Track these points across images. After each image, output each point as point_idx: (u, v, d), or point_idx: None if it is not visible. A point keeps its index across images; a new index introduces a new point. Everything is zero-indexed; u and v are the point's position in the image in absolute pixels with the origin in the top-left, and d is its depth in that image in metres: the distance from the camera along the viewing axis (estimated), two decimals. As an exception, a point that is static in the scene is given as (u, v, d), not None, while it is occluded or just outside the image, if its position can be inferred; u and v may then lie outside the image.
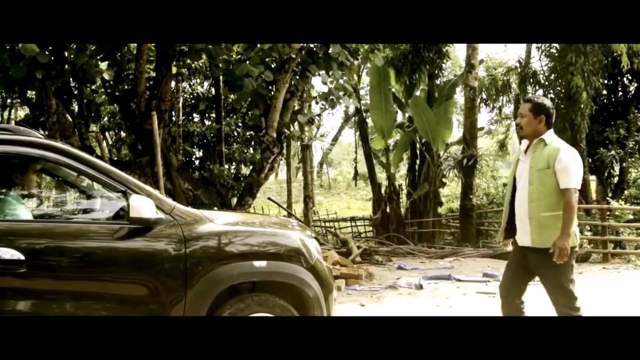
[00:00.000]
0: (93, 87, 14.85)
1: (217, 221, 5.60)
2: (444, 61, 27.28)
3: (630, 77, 24.43)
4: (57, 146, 5.27)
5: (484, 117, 63.41)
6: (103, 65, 14.21)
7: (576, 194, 5.85)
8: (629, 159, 23.38)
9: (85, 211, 5.97)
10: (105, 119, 20.46)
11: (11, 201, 5.36)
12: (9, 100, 22.60)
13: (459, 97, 30.50)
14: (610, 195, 23.40)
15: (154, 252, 5.15)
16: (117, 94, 14.51)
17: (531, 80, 24.86)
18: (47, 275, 4.89)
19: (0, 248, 4.68)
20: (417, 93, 27.47)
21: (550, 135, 6.14)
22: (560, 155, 5.94)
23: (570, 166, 5.91)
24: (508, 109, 31.60)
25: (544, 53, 24.51)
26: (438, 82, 27.82)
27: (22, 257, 4.69)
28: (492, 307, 10.03)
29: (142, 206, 5.02)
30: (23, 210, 5.35)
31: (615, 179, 24.49)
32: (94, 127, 17.47)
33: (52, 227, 5.22)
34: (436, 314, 9.55)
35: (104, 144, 16.47)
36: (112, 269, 5.06)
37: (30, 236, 4.92)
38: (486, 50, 44.32)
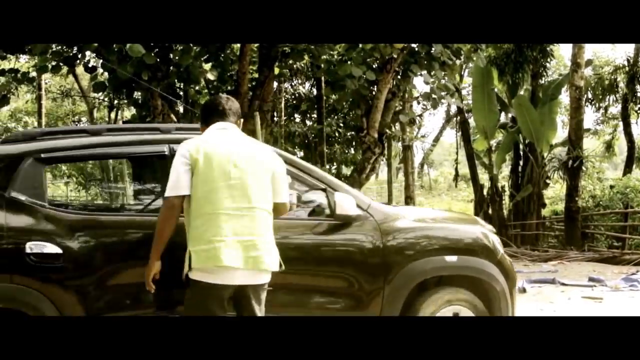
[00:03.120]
0: (197, 87, 15.10)
1: (407, 217, 5.84)
2: (548, 60, 26.77)
3: None
4: None
5: (589, 117, 62.02)
6: (207, 66, 14.45)
7: (170, 206, 4.45)
8: None
9: None
10: (200, 122, 20.79)
11: None
12: (116, 101, 23.23)
13: (564, 96, 29.87)
14: None
15: (355, 247, 5.45)
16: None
17: (640, 79, 24.18)
18: None
19: None
20: (521, 93, 27.00)
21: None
22: None
23: (172, 168, 4.52)
24: (615, 109, 30.82)
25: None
26: (542, 81, 27.29)
27: None
28: (598, 312, 9.78)
29: (347, 203, 5.30)
30: None
31: None
32: (198, 127, 17.78)
33: None
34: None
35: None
36: (318, 263, 5.40)
37: None
38: (593, 49, 43.25)
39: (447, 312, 5.68)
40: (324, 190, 5.48)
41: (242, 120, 4.97)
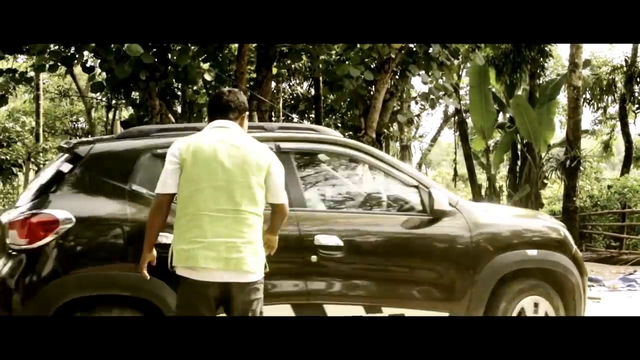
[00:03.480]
0: (195, 87, 15.09)
1: (490, 213, 6.30)
2: (546, 60, 26.76)
3: None
4: (358, 145, 6.19)
5: (587, 117, 61.93)
6: (205, 66, 14.44)
7: (158, 203, 4.58)
8: None
9: (379, 203, 6.41)
10: (207, 119, 20.78)
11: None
12: (113, 101, 23.20)
13: (562, 97, 29.89)
14: None
15: (449, 241, 5.87)
16: (218, 94, 14.69)
17: (638, 80, 24.16)
18: (360, 260, 5.65)
19: (326, 235, 5.46)
20: (519, 93, 26.98)
21: None
22: None
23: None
24: (613, 109, 30.83)
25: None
26: (540, 81, 27.29)
27: (341, 244, 5.45)
28: (596, 312, 9.78)
29: (443, 199, 5.72)
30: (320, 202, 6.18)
31: None
32: (195, 127, 17.76)
33: (363, 217, 5.97)
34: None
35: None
36: (416, 256, 5.82)
37: (347, 225, 5.72)
38: (590, 49, 43.32)
39: (524, 303, 6.03)
40: (416, 187, 5.91)
41: (246, 114, 4.90)
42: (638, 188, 24.58)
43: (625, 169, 28.66)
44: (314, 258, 5.39)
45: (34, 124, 24.17)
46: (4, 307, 4.83)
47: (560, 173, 24.31)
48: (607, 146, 33.57)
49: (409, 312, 5.72)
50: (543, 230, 6.33)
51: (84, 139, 5.42)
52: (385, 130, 15.22)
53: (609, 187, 25.15)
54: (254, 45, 13.67)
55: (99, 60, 12.84)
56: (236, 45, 13.88)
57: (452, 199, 5.90)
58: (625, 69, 25.55)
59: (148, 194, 5.13)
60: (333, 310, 5.51)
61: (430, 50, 14.22)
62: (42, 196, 5.06)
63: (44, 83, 25.64)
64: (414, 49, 14.27)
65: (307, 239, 5.40)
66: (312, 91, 20.54)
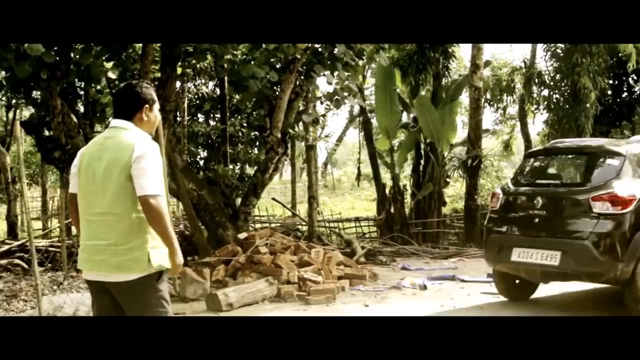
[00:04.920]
0: (98, 87, 14.84)
1: None
2: (450, 61, 27.18)
3: (635, 78, 24.19)
4: None
5: (488, 117, 63.15)
6: (108, 65, 14.22)
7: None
8: (634, 160, 23.19)
9: None
10: (110, 119, 20.43)
11: None
12: (14, 101, 22.63)
13: (464, 97, 30.45)
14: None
15: None
16: (122, 94, 14.47)
17: (536, 81, 24.77)
18: None
19: None
20: (422, 93, 27.30)
21: None
22: None
23: None
24: (513, 110, 31.56)
25: (549, 53, 24.38)
26: (444, 82, 27.69)
27: None
28: (496, 307, 10.03)
29: None
30: None
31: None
32: (98, 127, 17.48)
33: None
34: (440, 315, 9.55)
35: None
36: None
37: None
38: (491, 51, 44.31)
39: None
40: None
41: (147, 106, 4.69)
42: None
43: (524, 168, 29.28)
44: None
45: None
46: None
47: (462, 172, 24.72)
48: (507, 145, 34.33)
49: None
50: None
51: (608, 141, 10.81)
52: (290, 130, 15.27)
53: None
54: (159, 44, 13.54)
55: (-2, 59, 12.53)
56: (140, 44, 13.71)
57: None
58: (524, 70, 26.16)
59: None
60: None
61: (336, 50, 14.31)
62: (609, 181, 8.70)
63: (-60, 82, 24.80)
64: (319, 49, 14.34)
65: None
66: (218, 91, 20.44)
